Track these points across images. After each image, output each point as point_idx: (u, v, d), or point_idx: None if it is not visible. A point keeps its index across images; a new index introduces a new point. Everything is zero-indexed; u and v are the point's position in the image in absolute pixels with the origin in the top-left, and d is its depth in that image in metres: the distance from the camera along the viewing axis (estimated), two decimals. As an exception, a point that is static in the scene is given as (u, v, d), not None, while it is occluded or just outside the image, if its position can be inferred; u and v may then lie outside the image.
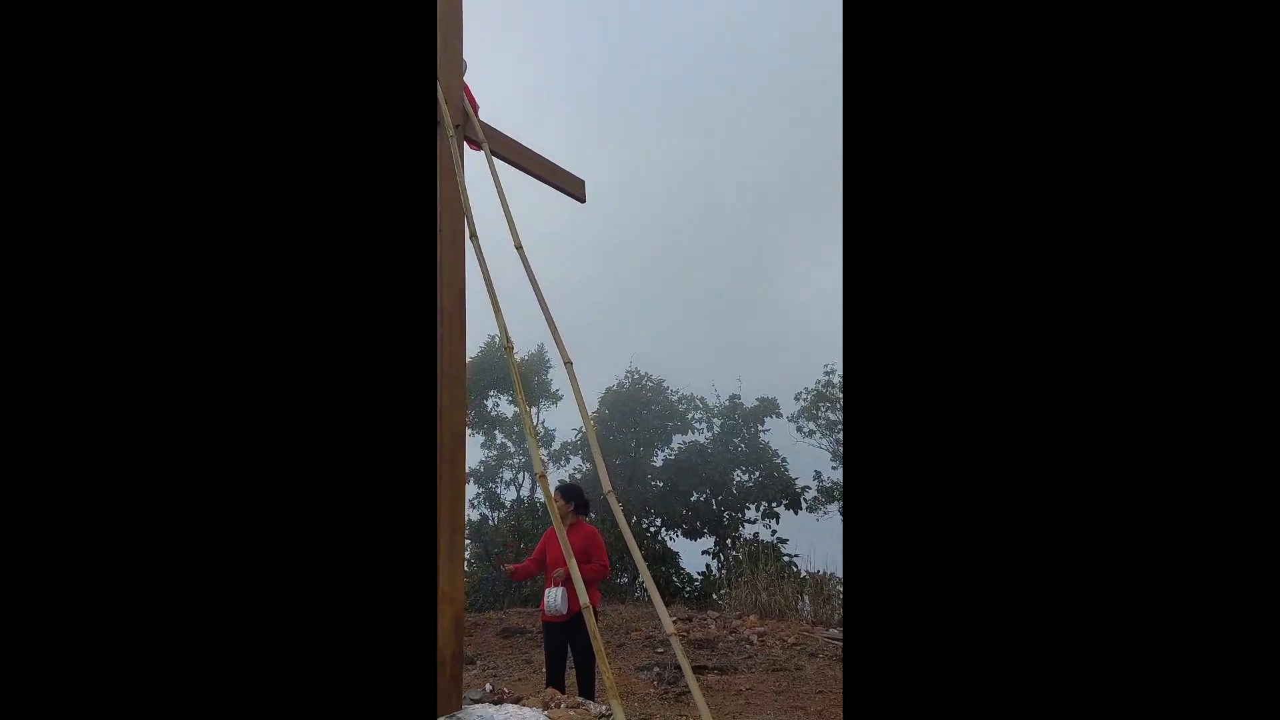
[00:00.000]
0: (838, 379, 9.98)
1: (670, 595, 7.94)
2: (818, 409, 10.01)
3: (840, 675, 4.12)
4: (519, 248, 2.09)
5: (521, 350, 10.07)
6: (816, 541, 8.14)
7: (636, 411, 8.85)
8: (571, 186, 2.72)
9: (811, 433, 10.09)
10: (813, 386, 10.08)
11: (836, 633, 5.07)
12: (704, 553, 8.52)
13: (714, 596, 7.87)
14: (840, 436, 10.26)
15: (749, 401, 9.12)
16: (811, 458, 10.84)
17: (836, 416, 10.08)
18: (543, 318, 2.05)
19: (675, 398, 9.23)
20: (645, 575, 1.78)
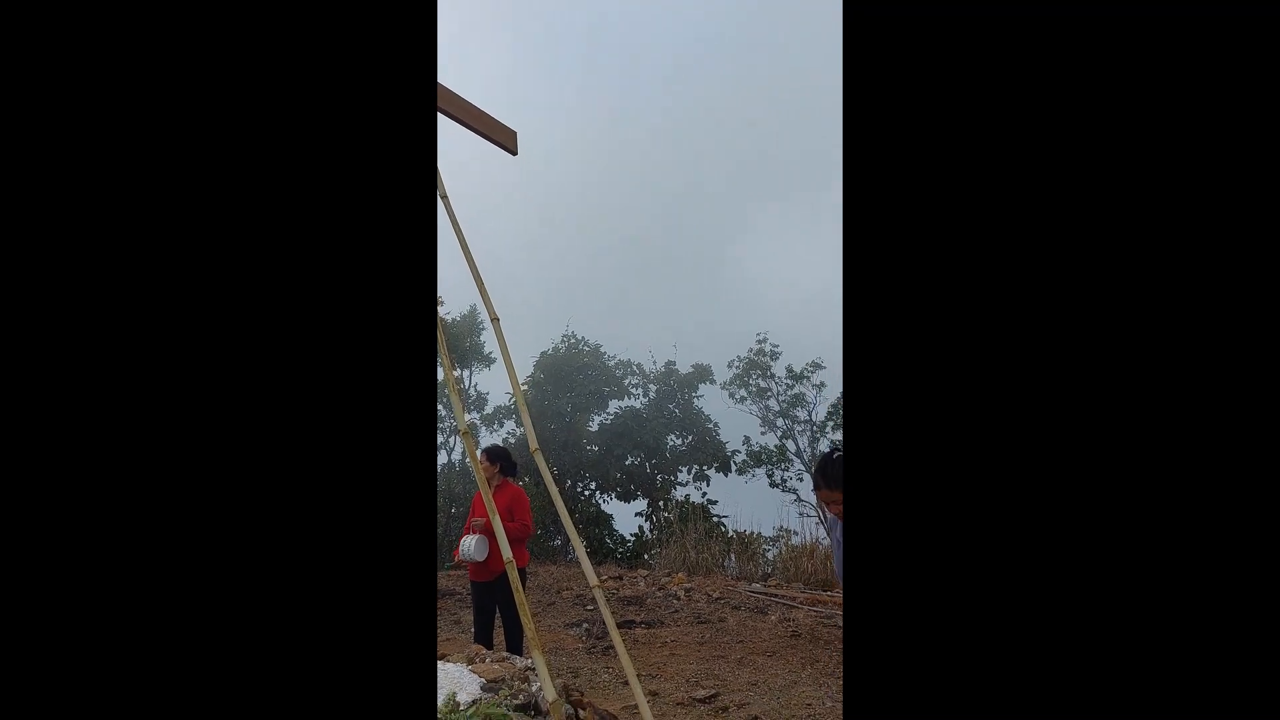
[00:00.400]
0: (769, 347, 10.28)
1: (603, 556, 8.10)
2: (749, 377, 10.31)
3: (759, 625, 4.37)
4: (444, 197, 2.00)
5: (454, 310, 9.75)
6: (743, 503, 8.48)
7: (572, 376, 8.81)
8: (503, 138, 2.60)
9: (743, 399, 10.40)
10: (745, 355, 10.36)
11: (760, 586, 5.34)
12: (636, 514, 8.72)
13: (645, 557, 8.10)
14: (769, 403, 10.65)
15: (684, 368, 9.27)
16: (742, 423, 11.21)
17: (766, 384, 10.42)
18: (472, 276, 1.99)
19: (613, 363, 9.25)
20: (569, 526, 1.79)
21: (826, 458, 1.99)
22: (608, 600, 4.96)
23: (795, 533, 7.18)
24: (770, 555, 7.00)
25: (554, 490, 1.77)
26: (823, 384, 10.05)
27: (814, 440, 10.21)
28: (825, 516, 7.20)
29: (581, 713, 2.41)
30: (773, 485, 10.20)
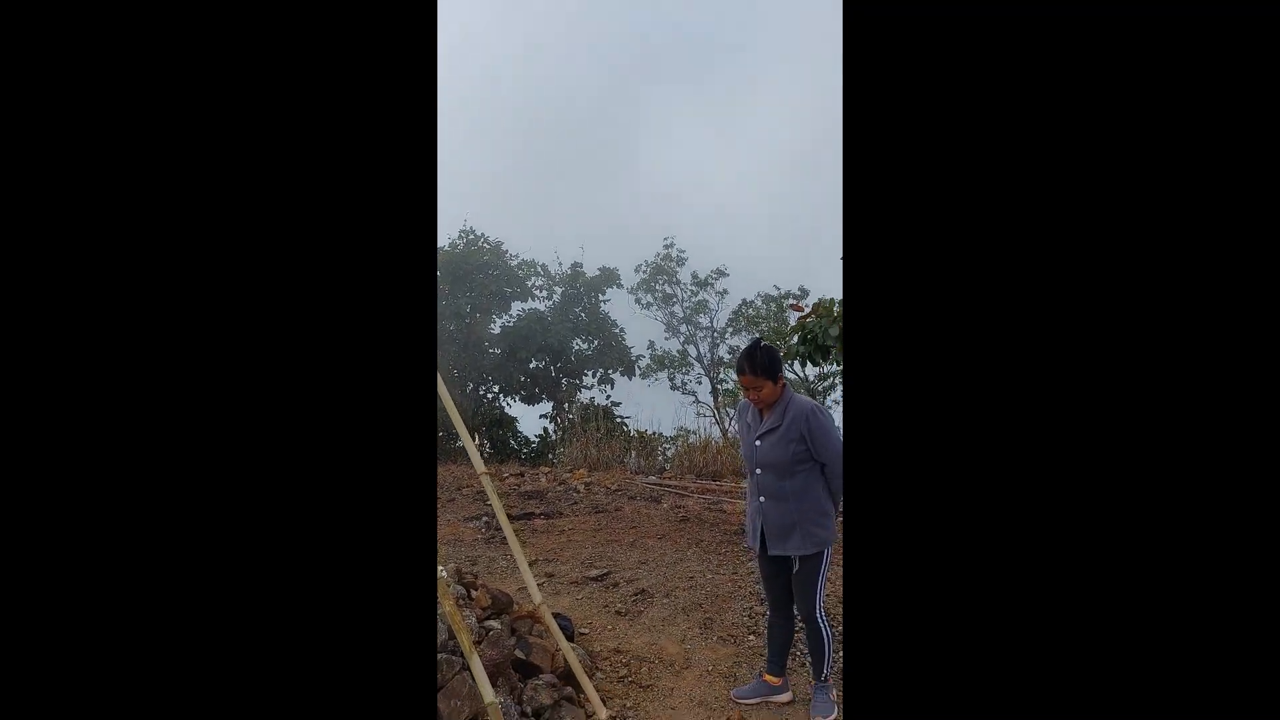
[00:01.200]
0: (675, 252, 10.31)
1: (507, 455, 8.19)
2: (655, 282, 10.36)
3: (652, 512, 4.66)
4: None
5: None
6: (645, 405, 8.77)
7: (472, 275, 8.41)
8: None
9: (649, 305, 10.51)
10: (652, 260, 10.33)
11: (655, 478, 5.65)
12: (541, 417, 8.80)
13: (549, 456, 8.28)
14: (674, 309, 10.85)
15: (591, 271, 9.12)
16: (646, 328, 11.35)
17: (673, 290, 10.55)
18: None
19: (515, 263, 8.91)
20: (455, 419, 1.75)
21: (754, 345, 2.12)
22: (508, 494, 5.07)
23: (694, 432, 7.58)
24: (669, 453, 7.38)
25: (443, 388, 1.70)
26: (725, 291, 10.34)
27: (714, 346, 10.61)
28: (738, 402, 7.61)
29: (474, 593, 2.49)
30: (674, 388, 10.64)
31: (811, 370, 10.16)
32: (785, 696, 2.31)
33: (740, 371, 2.09)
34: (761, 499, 2.13)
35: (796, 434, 2.05)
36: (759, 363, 2.04)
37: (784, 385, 2.11)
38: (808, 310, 6.10)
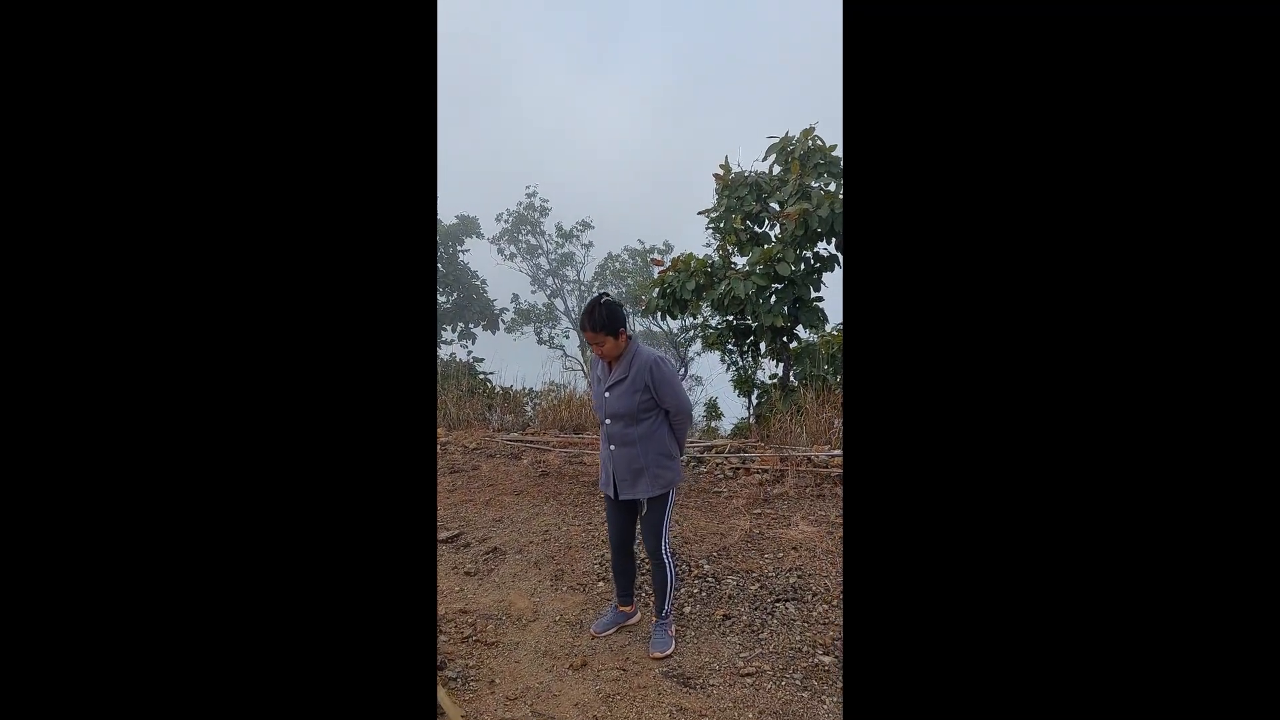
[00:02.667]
0: (539, 201, 9.97)
1: (357, 418, 7.61)
2: (519, 232, 9.97)
3: (511, 469, 4.58)
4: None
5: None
6: (511, 360, 8.54)
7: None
8: None
9: (512, 256, 10.11)
10: (514, 209, 9.90)
11: (516, 435, 5.55)
12: (396, 374, 8.26)
13: (406, 416, 7.81)
14: (540, 261, 10.54)
15: (448, 219, 8.54)
16: (511, 281, 10.96)
17: (537, 240, 10.23)
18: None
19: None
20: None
21: (594, 302, 2.14)
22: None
23: (565, 386, 7.55)
24: (531, 409, 7.29)
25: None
26: (591, 244, 10.24)
27: (582, 300, 10.53)
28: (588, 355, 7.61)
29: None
30: (541, 343, 10.46)
31: (674, 323, 10.50)
32: (636, 618, 2.51)
33: (582, 328, 2.13)
34: (611, 447, 2.19)
35: (641, 384, 2.12)
36: (598, 319, 2.08)
37: (627, 338, 2.13)
38: (666, 265, 6.22)
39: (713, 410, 7.75)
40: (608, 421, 2.18)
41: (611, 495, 2.25)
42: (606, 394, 2.17)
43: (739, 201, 5.69)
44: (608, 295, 2.19)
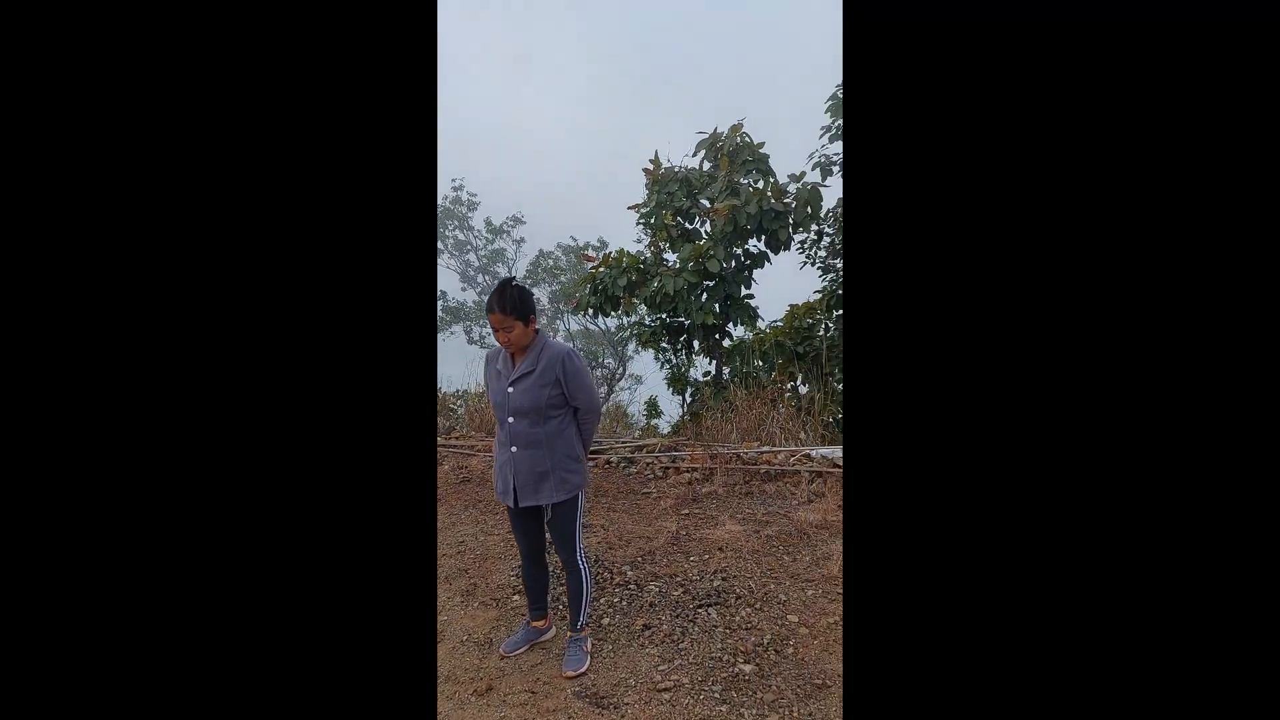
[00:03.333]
0: (466, 195, 9.61)
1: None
2: (444, 227, 9.57)
3: (430, 476, 4.32)
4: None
5: None
6: (440, 360, 8.15)
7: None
8: None
9: (440, 252, 9.70)
10: (441, 202, 9.49)
11: (440, 439, 5.26)
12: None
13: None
14: (470, 257, 10.17)
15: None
16: (439, 277, 10.51)
17: (465, 236, 9.87)
18: None
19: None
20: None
21: (505, 282, 1.93)
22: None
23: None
24: (460, 411, 6.99)
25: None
26: (522, 240, 9.95)
27: (515, 297, 10.24)
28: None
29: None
30: (471, 342, 10.08)
31: (611, 322, 10.39)
32: (550, 633, 2.34)
33: (490, 310, 1.92)
34: (514, 449, 2.01)
35: (552, 378, 1.95)
36: (509, 299, 1.88)
37: (536, 328, 1.96)
38: (598, 261, 6.08)
39: (652, 409, 7.68)
40: (510, 420, 1.98)
41: (511, 504, 2.06)
42: (510, 389, 1.97)
43: (669, 197, 5.61)
44: (515, 279, 2.00)
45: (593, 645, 2.28)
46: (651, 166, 5.77)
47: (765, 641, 2.27)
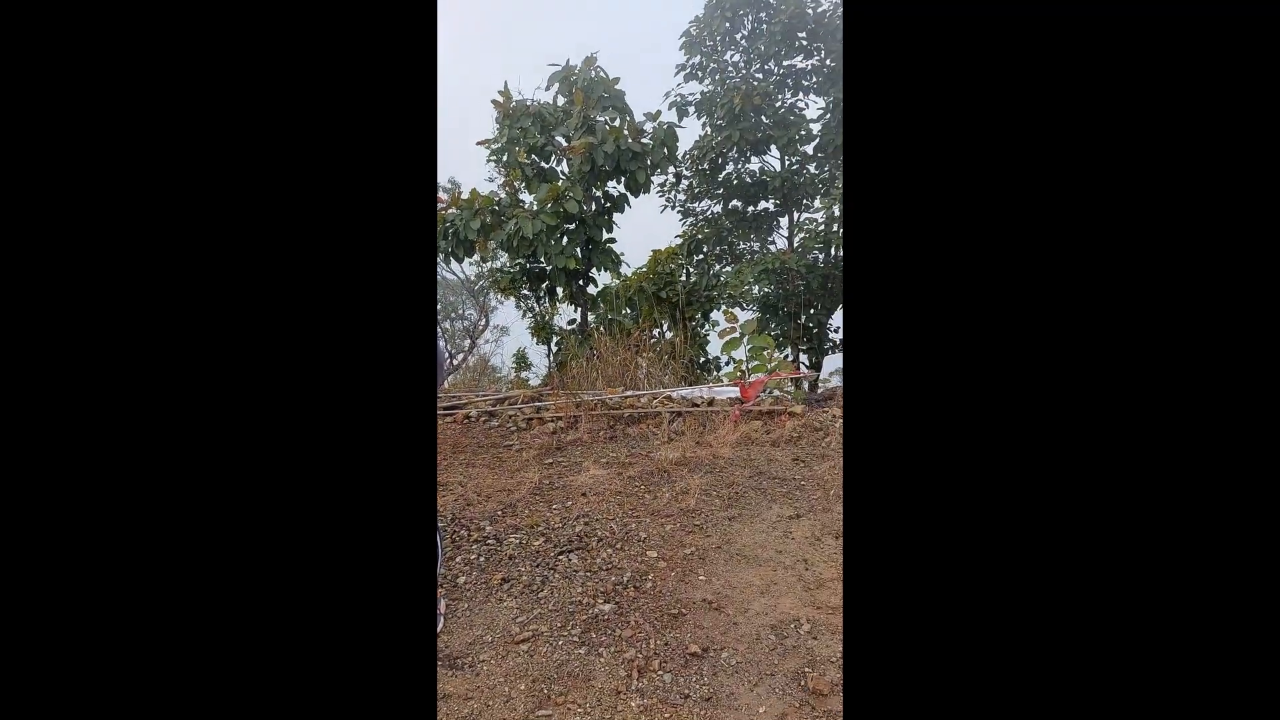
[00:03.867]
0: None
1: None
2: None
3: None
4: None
5: None
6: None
7: None
8: None
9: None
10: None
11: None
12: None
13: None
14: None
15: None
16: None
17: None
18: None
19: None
20: None
21: None
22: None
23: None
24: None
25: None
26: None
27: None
28: None
29: None
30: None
31: (470, 270, 9.82)
32: None
33: None
34: None
35: None
36: None
37: None
38: (447, 203, 5.61)
39: (521, 362, 7.43)
40: None
41: None
42: None
43: (522, 133, 5.26)
44: None
45: (446, 606, 2.16)
46: (501, 99, 5.36)
47: (625, 580, 2.29)
